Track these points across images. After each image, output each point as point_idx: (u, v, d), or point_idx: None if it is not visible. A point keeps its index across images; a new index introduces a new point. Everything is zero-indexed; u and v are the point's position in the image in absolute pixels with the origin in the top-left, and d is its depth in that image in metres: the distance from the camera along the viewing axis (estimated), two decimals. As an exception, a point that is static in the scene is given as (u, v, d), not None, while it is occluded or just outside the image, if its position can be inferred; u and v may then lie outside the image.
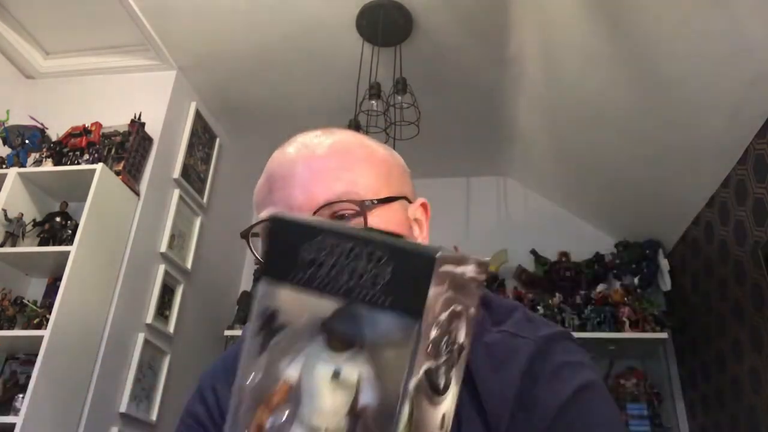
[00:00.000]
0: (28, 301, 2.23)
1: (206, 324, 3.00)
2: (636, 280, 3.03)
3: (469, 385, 0.57)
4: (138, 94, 2.76)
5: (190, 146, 2.87)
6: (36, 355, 1.95)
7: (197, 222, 2.91)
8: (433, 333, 0.31)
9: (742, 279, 2.31)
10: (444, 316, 0.32)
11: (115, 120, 2.59)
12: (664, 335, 2.79)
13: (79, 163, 2.45)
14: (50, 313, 2.02)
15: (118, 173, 2.40)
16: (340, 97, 2.66)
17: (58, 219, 2.38)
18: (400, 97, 2.38)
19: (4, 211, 2.25)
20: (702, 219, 2.70)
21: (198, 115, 2.96)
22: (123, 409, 2.27)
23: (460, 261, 0.32)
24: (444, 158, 3.34)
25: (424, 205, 0.67)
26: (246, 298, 3.19)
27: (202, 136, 3.02)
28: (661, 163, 2.61)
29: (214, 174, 3.08)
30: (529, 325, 0.64)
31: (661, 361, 2.89)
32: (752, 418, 2.23)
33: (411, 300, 0.30)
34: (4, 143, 2.52)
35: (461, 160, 3.44)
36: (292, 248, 0.32)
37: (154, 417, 2.46)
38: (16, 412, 1.89)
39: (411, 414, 0.30)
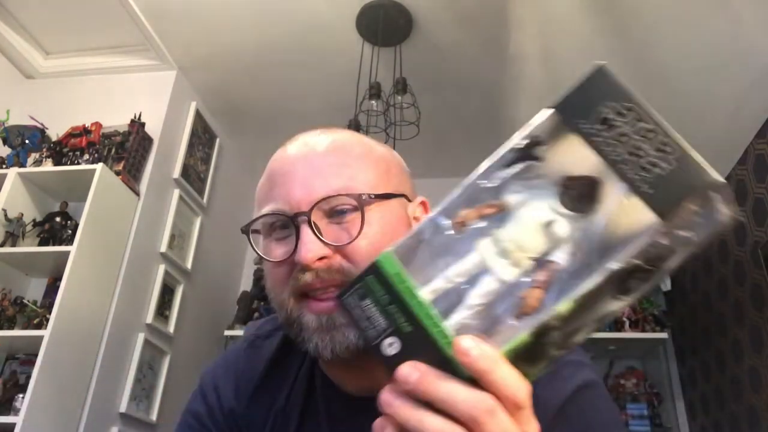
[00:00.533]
0: (28, 301, 2.23)
1: (206, 324, 3.00)
2: (636, 280, 3.03)
3: None
4: (138, 94, 2.76)
5: (190, 146, 2.87)
6: (36, 355, 1.95)
7: (197, 222, 2.91)
8: (663, 241, 0.32)
9: (742, 279, 2.31)
10: (682, 233, 0.33)
11: (115, 120, 2.59)
12: (664, 335, 2.79)
13: (79, 163, 2.45)
14: (50, 313, 2.01)
15: (118, 173, 2.40)
16: (340, 97, 2.66)
17: (58, 219, 2.37)
18: (400, 97, 2.37)
19: (4, 211, 2.24)
20: (702, 219, 2.69)
21: (198, 115, 2.96)
22: (123, 409, 2.27)
23: (729, 201, 0.33)
24: (444, 158, 3.34)
25: (424, 204, 0.67)
26: (246, 298, 3.19)
27: (202, 136, 3.02)
28: (661, 163, 2.61)
29: (214, 174, 3.08)
30: None
31: (661, 361, 2.89)
32: (752, 418, 2.23)
33: (671, 201, 0.32)
34: (4, 143, 2.52)
35: (461, 160, 3.44)
36: (596, 99, 0.34)
37: (154, 417, 2.47)
38: (16, 412, 1.89)
39: (590, 294, 0.32)
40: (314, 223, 0.57)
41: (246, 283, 3.42)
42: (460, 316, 0.35)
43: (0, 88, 2.76)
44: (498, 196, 0.35)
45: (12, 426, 1.84)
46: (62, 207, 2.42)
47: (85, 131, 2.54)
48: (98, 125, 2.56)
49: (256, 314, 3.10)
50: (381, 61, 2.52)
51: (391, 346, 0.36)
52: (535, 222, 0.35)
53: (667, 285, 2.98)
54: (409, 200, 0.65)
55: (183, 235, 2.80)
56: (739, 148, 2.26)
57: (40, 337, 1.96)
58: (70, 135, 2.54)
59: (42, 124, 2.59)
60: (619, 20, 2.13)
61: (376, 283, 0.38)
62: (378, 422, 0.36)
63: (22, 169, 2.39)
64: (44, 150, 2.50)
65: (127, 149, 2.47)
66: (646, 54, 2.17)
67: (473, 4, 2.39)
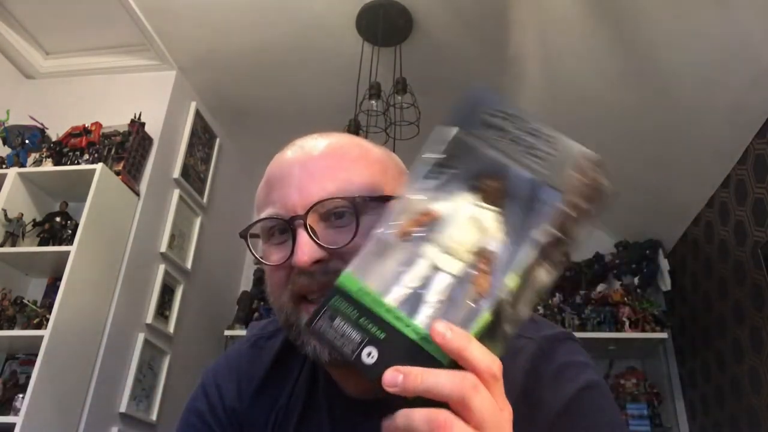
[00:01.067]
0: (28, 301, 2.23)
1: (206, 324, 3.00)
2: (636, 280, 3.03)
3: None
4: (138, 94, 2.76)
5: (190, 146, 2.87)
6: (36, 355, 1.95)
7: (197, 222, 2.91)
8: (567, 210, 0.40)
9: (742, 279, 2.31)
10: (578, 202, 0.40)
11: (115, 120, 2.59)
12: (664, 335, 2.79)
13: (79, 163, 2.45)
14: (50, 313, 2.02)
15: (118, 173, 2.40)
16: (340, 97, 2.66)
17: (58, 219, 2.37)
18: (400, 97, 2.38)
19: (4, 211, 2.24)
20: (702, 219, 2.70)
21: (198, 115, 2.96)
22: (123, 409, 2.27)
23: (604, 172, 0.41)
24: (444, 158, 3.34)
25: None
26: (246, 299, 3.19)
27: (202, 136, 3.02)
28: (661, 163, 2.61)
29: (214, 174, 3.08)
30: (532, 325, 0.64)
31: (661, 361, 2.89)
32: (752, 418, 2.23)
33: (563, 177, 0.40)
34: (4, 143, 2.52)
35: (461, 160, 3.44)
36: (491, 112, 0.41)
37: (154, 417, 2.46)
38: (16, 412, 1.89)
39: (528, 267, 0.39)
40: (310, 226, 0.57)
41: (246, 284, 3.42)
42: (425, 313, 0.39)
43: (0, 88, 2.76)
44: (429, 206, 0.41)
45: (12, 426, 1.84)
46: (62, 207, 2.42)
47: (85, 131, 2.54)
48: (98, 125, 2.56)
49: (256, 314, 3.10)
50: (381, 61, 2.52)
51: (369, 355, 0.39)
52: (466, 220, 0.41)
53: (667, 285, 2.98)
54: None
55: (183, 235, 2.80)
56: (739, 148, 2.26)
57: (40, 337, 1.96)
58: (70, 135, 2.54)
59: (42, 124, 2.59)
60: (619, 20, 2.13)
61: (342, 302, 0.40)
62: None
63: (22, 169, 2.39)
64: (44, 150, 2.50)
65: (127, 149, 2.47)
66: (646, 54, 2.16)
67: (473, 5, 2.39)
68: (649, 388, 2.83)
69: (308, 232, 0.57)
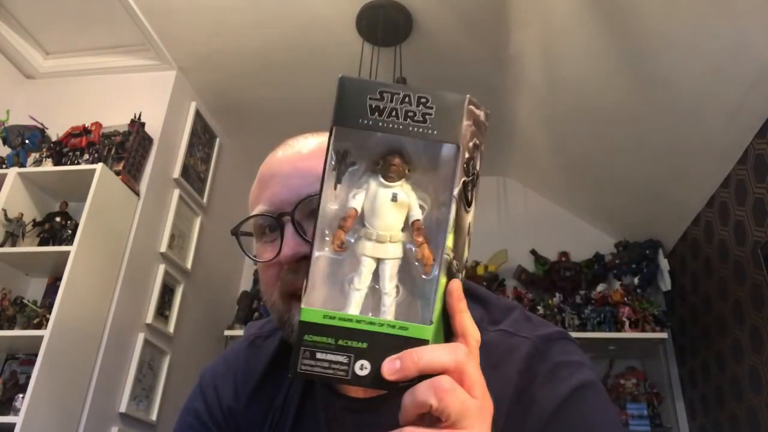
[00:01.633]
0: (28, 301, 2.23)
1: (206, 324, 3.00)
2: (636, 280, 3.03)
3: None
4: (138, 94, 2.76)
5: (190, 146, 2.87)
6: (36, 355, 1.95)
7: (197, 222, 2.91)
8: (466, 155, 0.43)
9: (742, 279, 2.31)
10: (471, 144, 0.43)
11: (115, 120, 2.59)
12: (664, 335, 2.79)
13: (79, 163, 2.45)
14: (50, 313, 2.02)
15: (118, 173, 2.40)
16: (340, 97, 2.65)
17: (58, 219, 2.38)
18: (400, 97, 2.37)
19: (4, 211, 2.25)
20: (702, 219, 2.70)
21: (198, 115, 2.96)
22: (123, 409, 2.27)
23: (478, 106, 0.44)
24: (444, 158, 3.33)
25: None
26: (246, 298, 3.19)
27: (202, 136, 3.02)
28: (661, 163, 2.61)
29: (214, 174, 3.08)
30: (527, 324, 0.64)
31: (661, 361, 2.89)
32: (752, 418, 2.23)
33: (451, 129, 0.42)
34: (4, 143, 2.52)
35: (461, 160, 3.44)
36: (360, 99, 0.42)
37: (154, 417, 2.47)
38: (16, 412, 1.89)
39: (455, 218, 0.42)
40: (298, 222, 0.58)
41: (246, 283, 3.42)
42: (387, 304, 0.42)
43: (0, 88, 2.76)
44: (346, 208, 0.43)
45: (12, 426, 1.84)
46: (62, 207, 2.42)
47: (85, 131, 2.54)
48: (98, 125, 2.56)
49: (256, 314, 3.10)
50: (381, 61, 2.52)
51: (362, 368, 0.41)
52: (383, 204, 0.42)
53: (667, 285, 2.98)
54: None
55: (183, 235, 2.80)
56: (739, 148, 2.26)
57: (40, 337, 1.96)
58: (70, 135, 2.55)
59: (42, 124, 2.59)
60: (619, 20, 2.13)
61: (313, 336, 0.41)
62: None
63: (22, 169, 2.39)
64: (44, 150, 2.50)
65: (127, 149, 2.47)
66: (646, 54, 2.16)
67: (473, 4, 2.39)
68: (649, 388, 2.83)
69: (295, 228, 0.57)
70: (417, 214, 0.42)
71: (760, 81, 1.96)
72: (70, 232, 2.33)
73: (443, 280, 0.42)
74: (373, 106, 0.42)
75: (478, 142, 0.45)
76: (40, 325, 2.08)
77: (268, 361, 0.73)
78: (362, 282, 0.42)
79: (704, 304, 2.68)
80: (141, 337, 2.42)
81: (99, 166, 2.29)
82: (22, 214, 2.30)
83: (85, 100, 2.77)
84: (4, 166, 2.44)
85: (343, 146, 0.43)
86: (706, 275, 2.66)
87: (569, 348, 0.63)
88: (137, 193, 2.50)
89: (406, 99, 0.42)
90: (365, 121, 0.42)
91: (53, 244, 2.30)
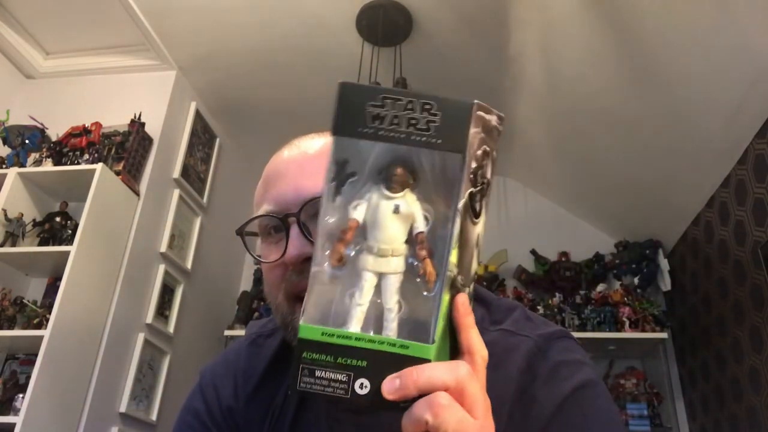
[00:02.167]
0: (28, 301, 2.23)
1: (206, 324, 3.00)
2: (636, 280, 3.03)
3: None
4: (138, 94, 2.76)
5: (190, 146, 2.87)
6: (36, 355, 1.95)
7: (197, 222, 2.91)
8: (473, 165, 0.41)
9: (742, 279, 2.31)
10: (479, 152, 0.41)
11: (115, 120, 2.59)
12: (664, 335, 2.79)
13: (79, 163, 2.45)
14: (50, 313, 2.02)
15: (118, 173, 2.40)
16: (340, 97, 2.65)
17: (58, 219, 2.38)
18: (400, 97, 2.37)
19: (4, 211, 2.24)
20: (702, 219, 2.70)
21: (198, 115, 2.96)
22: (123, 409, 2.27)
23: (488, 110, 0.42)
24: (444, 158, 3.33)
25: None
26: (246, 298, 3.19)
27: (202, 136, 3.02)
28: (661, 163, 2.61)
29: (214, 174, 3.08)
30: (528, 323, 0.64)
31: (661, 361, 2.89)
32: (752, 418, 2.23)
33: (457, 137, 0.39)
34: (4, 143, 2.52)
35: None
36: (359, 107, 0.40)
37: (154, 417, 2.47)
38: (16, 412, 1.89)
39: (460, 231, 0.40)
40: (303, 223, 0.57)
41: (246, 283, 3.42)
42: (389, 321, 0.40)
43: (0, 88, 2.76)
44: (346, 221, 0.41)
45: (12, 426, 1.84)
46: (62, 207, 2.42)
47: (85, 131, 2.54)
48: (98, 125, 2.56)
49: (256, 314, 3.10)
50: (381, 61, 2.52)
51: (362, 387, 0.40)
52: (385, 215, 0.41)
53: (667, 285, 2.98)
54: None
55: (183, 235, 2.80)
56: (739, 148, 2.26)
57: (40, 337, 1.96)
58: (70, 135, 2.54)
59: (42, 124, 2.59)
60: (619, 21, 2.13)
61: (312, 353, 0.40)
62: None
63: (22, 169, 2.39)
64: (44, 150, 2.50)
65: (127, 149, 2.47)
66: (646, 54, 2.16)
67: (473, 4, 2.39)
68: (649, 388, 2.83)
69: (301, 229, 0.57)
70: (421, 226, 0.40)
71: (760, 81, 1.96)
72: (70, 232, 2.33)
73: (446, 297, 0.40)
74: (374, 113, 0.40)
75: (488, 148, 0.43)
76: (40, 325, 2.08)
77: (268, 360, 0.72)
78: (364, 297, 0.41)
79: (704, 304, 2.68)
80: (141, 337, 2.42)
81: (99, 166, 2.29)
82: (22, 214, 2.30)
83: (85, 100, 2.77)
84: (4, 166, 2.44)
85: (342, 156, 0.41)
86: (706, 275, 2.66)
87: (571, 347, 0.63)
88: (137, 193, 2.50)
89: (410, 105, 0.40)
90: (365, 131, 0.40)
91: (53, 244, 2.30)
